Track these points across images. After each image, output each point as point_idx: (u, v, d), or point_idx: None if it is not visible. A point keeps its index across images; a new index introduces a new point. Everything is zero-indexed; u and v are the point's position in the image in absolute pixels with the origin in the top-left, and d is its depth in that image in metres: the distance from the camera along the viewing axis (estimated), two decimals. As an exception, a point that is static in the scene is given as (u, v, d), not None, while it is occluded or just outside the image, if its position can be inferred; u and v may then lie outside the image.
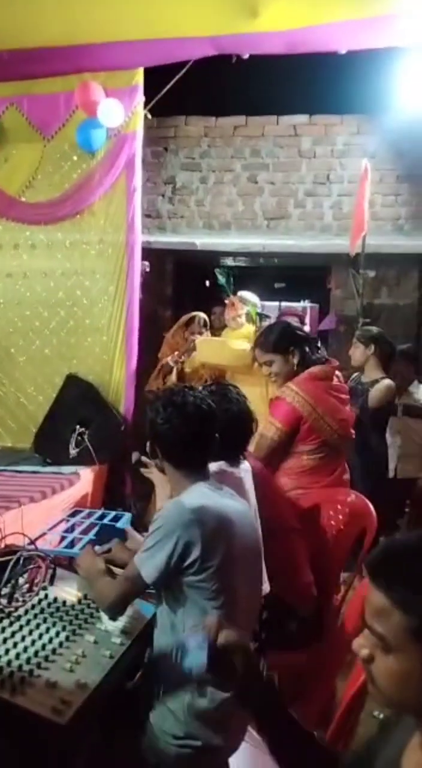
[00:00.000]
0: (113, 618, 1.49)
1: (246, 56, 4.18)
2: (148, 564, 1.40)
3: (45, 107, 4.41)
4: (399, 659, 0.76)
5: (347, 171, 5.27)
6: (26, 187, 4.48)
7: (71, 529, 2.80)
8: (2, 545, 1.83)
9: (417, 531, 0.87)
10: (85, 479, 3.32)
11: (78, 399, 3.96)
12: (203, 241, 5.21)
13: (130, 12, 3.75)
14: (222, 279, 4.45)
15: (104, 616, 1.52)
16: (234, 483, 1.81)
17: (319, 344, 3.38)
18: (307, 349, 2.66)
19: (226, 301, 4.37)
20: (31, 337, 4.62)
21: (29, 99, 4.42)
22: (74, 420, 3.71)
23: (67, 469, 3.46)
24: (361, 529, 2.01)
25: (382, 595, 0.76)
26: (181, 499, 1.47)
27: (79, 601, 1.62)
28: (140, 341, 4.36)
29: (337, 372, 2.76)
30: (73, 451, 3.59)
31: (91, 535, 2.67)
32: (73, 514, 2.95)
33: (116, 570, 1.59)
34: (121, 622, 1.52)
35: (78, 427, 3.67)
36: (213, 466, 1.78)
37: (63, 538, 2.56)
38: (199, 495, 1.47)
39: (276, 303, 6.91)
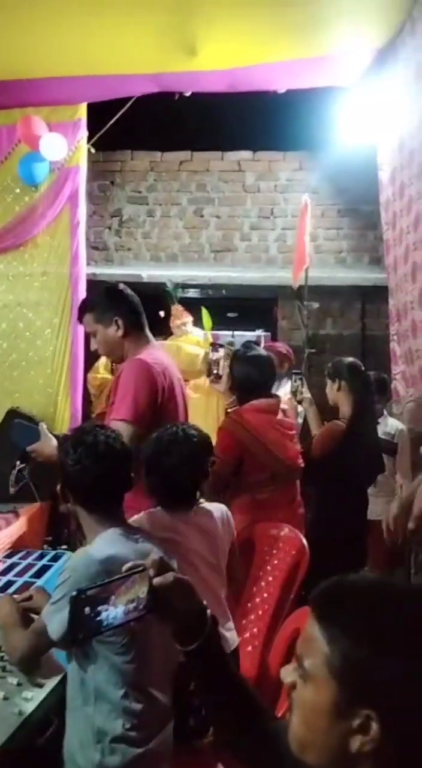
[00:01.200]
0: (25, 672, 1.42)
1: (188, 93, 4.28)
2: (54, 620, 1.32)
3: (-13, 140, 4.38)
4: (312, 690, 0.75)
5: (290, 205, 5.39)
6: (-33, 220, 4.42)
7: (7, 570, 2.69)
8: None
9: (373, 575, 0.86)
10: (24, 517, 3.20)
11: (19, 434, 3.84)
12: (150, 273, 5.21)
13: (72, 49, 3.78)
14: (170, 287, 4.47)
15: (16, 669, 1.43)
16: (186, 529, 1.72)
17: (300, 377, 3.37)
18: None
19: (172, 309, 4.38)
20: (-28, 371, 4.50)
21: (-30, 132, 4.39)
22: (14, 456, 3.59)
23: (4, 507, 3.34)
24: (295, 564, 1.97)
25: (316, 625, 0.76)
26: (88, 549, 1.39)
27: None
28: (85, 374, 4.30)
29: (283, 406, 2.72)
30: (12, 489, 3.46)
31: (27, 577, 2.57)
32: (9, 555, 2.84)
33: (36, 617, 1.52)
34: (35, 674, 1.44)
35: (18, 463, 3.55)
36: (156, 517, 1.72)
37: (-5, 582, 2.44)
38: (109, 543, 1.39)
39: (230, 332, 6.97)
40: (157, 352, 2.02)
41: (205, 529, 1.75)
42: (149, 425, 1.86)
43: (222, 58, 3.85)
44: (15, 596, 1.65)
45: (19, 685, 1.44)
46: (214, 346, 3.99)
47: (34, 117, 4.24)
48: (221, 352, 3.53)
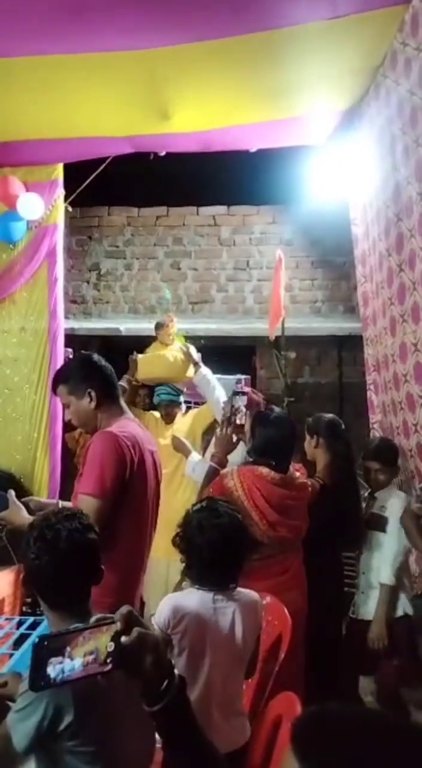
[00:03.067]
0: None
1: (162, 153, 4.39)
2: (19, 730, 1.24)
3: (-36, 200, 4.42)
4: None
5: (265, 257, 5.52)
6: None
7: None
8: None
9: (362, 707, 0.82)
10: (2, 582, 3.11)
11: (-4, 494, 3.77)
12: (128, 326, 5.25)
13: (48, 113, 3.87)
14: (167, 294, 4.45)
15: None
16: (217, 620, 1.65)
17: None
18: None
19: (165, 316, 4.36)
20: None
21: None
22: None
23: (-18, 572, 3.25)
24: (278, 634, 1.92)
25: (296, 764, 0.72)
26: None
27: None
28: (64, 430, 4.27)
29: (303, 479, 2.58)
30: (-11, 552, 3.38)
31: (5, 648, 2.49)
32: (-13, 623, 2.74)
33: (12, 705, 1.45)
34: None
35: (-5, 525, 3.47)
36: (194, 598, 1.66)
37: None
38: None
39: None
40: (129, 424, 1.99)
41: (242, 612, 1.70)
42: (116, 500, 1.83)
43: (194, 121, 3.97)
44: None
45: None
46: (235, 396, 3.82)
47: (11, 177, 4.31)
48: (243, 399, 3.19)
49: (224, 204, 5.64)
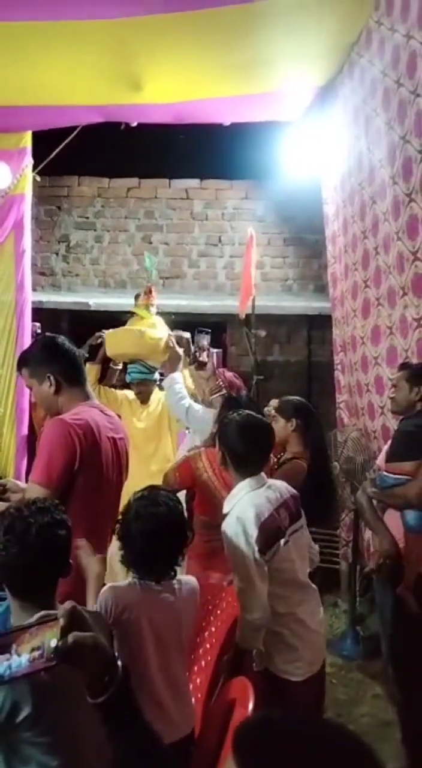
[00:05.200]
0: None
1: (134, 124, 4.30)
2: None
3: None
4: None
5: (237, 233, 5.48)
6: None
7: None
8: None
9: (302, 716, 0.82)
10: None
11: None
12: (97, 300, 5.18)
13: (17, 79, 3.75)
14: (149, 262, 4.29)
15: None
16: (161, 607, 1.64)
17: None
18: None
19: (146, 287, 4.09)
20: None
21: None
22: None
23: None
24: (236, 617, 1.96)
25: None
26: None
27: None
28: (31, 406, 4.23)
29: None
30: None
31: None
32: None
33: None
34: None
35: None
36: (132, 588, 1.64)
37: None
38: None
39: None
40: (88, 411, 1.95)
41: (171, 606, 1.69)
42: (64, 488, 1.82)
43: (167, 92, 3.89)
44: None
45: None
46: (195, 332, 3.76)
47: (-22, 144, 4.18)
48: (207, 338, 3.21)
49: (197, 177, 5.57)
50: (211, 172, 5.52)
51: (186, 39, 3.36)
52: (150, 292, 4.05)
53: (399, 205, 2.94)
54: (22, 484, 2.07)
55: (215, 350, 3.99)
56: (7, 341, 4.30)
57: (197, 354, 2.86)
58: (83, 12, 3.10)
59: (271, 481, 2.12)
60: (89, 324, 4.50)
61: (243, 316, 4.59)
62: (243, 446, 2.04)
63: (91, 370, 3.89)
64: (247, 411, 2.18)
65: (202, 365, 2.90)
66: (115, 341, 3.78)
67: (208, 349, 2.73)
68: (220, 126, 4.36)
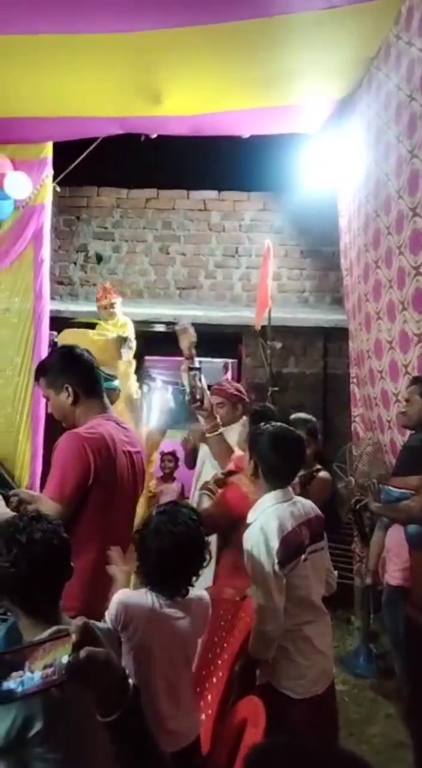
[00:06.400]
0: None
1: (153, 135, 4.34)
2: None
3: None
4: None
5: (254, 245, 5.48)
6: None
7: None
8: None
9: (307, 742, 0.81)
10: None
11: (-23, 477, 3.77)
12: (114, 310, 5.20)
13: (39, 91, 3.81)
14: (99, 260, 4.31)
15: None
16: (165, 627, 1.63)
17: None
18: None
19: (98, 287, 4.24)
20: None
21: None
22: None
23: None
24: (249, 631, 1.93)
25: None
26: None
27: None
28: (47, 413, 4.24)
29: (238, 452, 2.68)
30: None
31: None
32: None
33: None
34: None
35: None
36: (144, 599, 1.63)
37: None
38: None
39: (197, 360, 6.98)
40: (103, 424, 1.93)
41: (182, 621, 1.67)
42: (77, 503, 1.80)
43: (186, 105, 3.92)
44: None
45: None
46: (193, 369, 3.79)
47: (-1, 155, 4.24)
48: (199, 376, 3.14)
49: (215, 189, 5.58)
50: (229, 183, 5.54)
51: (206, 52, 3.38)
52: (105, 291, 4.18)
53: (403, 220, 2.93)
54: (35, 494, 2.06)
55: (230, 360, 3.98)
56: (25, 350, 4.34)
57: (194, 393, 2.70)
58: (104, 26, 3.14)
59: (298, 498, 2.09)
60: (107, 333, 4.53)
61: (259, 328, 4.58)
62: (274, 457, 2.01)
63: None
64: (280, 423, 2.16)
65: (198, 404, 2.69)
66: (69, 341, 3.74)
67: (203, 387, 2.65)
68: (239, 138, 4.38)
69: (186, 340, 2.89)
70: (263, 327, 4.61)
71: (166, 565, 1.62)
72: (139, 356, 6.10)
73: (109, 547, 1.77)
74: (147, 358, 6.71)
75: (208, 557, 1.68)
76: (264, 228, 5.48)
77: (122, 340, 3.84)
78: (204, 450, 3.35)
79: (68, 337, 3.89)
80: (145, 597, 1.65)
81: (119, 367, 3.75)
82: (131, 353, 3.88)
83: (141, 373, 6.19)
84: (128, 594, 1.66)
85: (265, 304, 4.26)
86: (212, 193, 5.60)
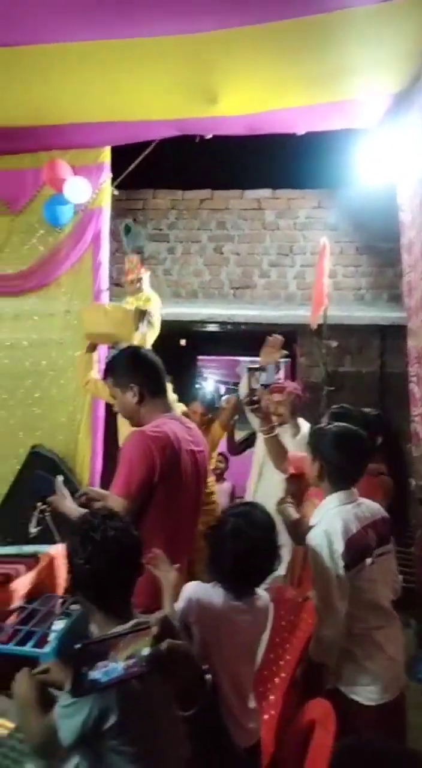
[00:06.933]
0: (41, 758, 1.41)
1: (208, 136, 4.37)
2: (65, 726, 1.27)
3: (13, 182, 4.52)
4: None
5: (309, 243, 5.44)
6: (-6, 259, 4.54)
7: (28, 618, 2.71)
8: None
9: (391, 744, 0.82)
10: (45, 561, 3.21)
11: (34, 475, 3.88)
12: (170, 310, 5.26)
13: (97, 96, 3.90)
14: (127, 232, 4.27)
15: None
16: (238, 624, 1.64)
17: None
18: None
19: (125, 259, 4.18)
20: (-4, 408, 4.58)
21: (-3, 174, 4.53)
22: (35, 497, 3.63)
23: (27, 549, 3.36)
24: (311, 634, 1.93)
25: None
26: None
27: (10, 735, 1.53)
28: (107, 412, 4.34)
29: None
30: (33, 530, 3.49)
31: (47, 627, 2.59)
32: (30, 600, 2.86)
33: (56, 692, 1.51)
34: (51, 761, 1.42)
35: (39, 504, 3.58)
36: (214, 594, 1.66)
37: (16, 632, 2.46)
38: None
39: (248, 358, 6.97)
40: (168, 423, 1.96)
41: (250, 618, 1.70)
42: (143, 501, 1.84)
43: (242, 104, 3.94)
44: (32, 670, 1.62)
45: (34, 770, 1.43)
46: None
47: (59, 160, 4.36)
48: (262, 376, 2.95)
49: (269, 187, 5.57)
50: (283, 181, 5.52)
51: (262, 50, 3.39)
52: (131, 264, 4.09)
53: None
54: (103, 491, 2.12)
55: (283, 360, 3.96)
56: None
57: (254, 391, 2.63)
58: (162, 28, 3.19)
59: (363, 500, 2.07)
60: (163, 333, 4.59)
61: (315, 327, 4.55)
62: (338, 457, 2.01)
63: (82, 360, 4.03)
64: (344, 423, 2.15)
65: (254, 405, 2.63)
66: (89, 317, 3.88)
67: (260, 388, 2.59)
68: (293, 135, 4.37)
69: (270, 355, 2.90)
70: (319, 326, 4.57)
71: (239, 568, 1.64)
72: (192, 356, 6.22)
73: (172, 544, 1.81)
74: (200, 357, 6.78)
75: (277, 564, 1.70)
76: (318, 225, 5.44)
77: (141, 313, 3.79)
78: (261, 451, 3.36)
79: (86, 314, 3.93)
80: (215, 591, 1.67)
81: (133, 341, 3.69)
82: (149, 328, 3.81)
83: (193, 372, 6.27)
84: (199, 587, 1.69)
85: (321, 302, 4.23)
86: (266, 192, 5.59)
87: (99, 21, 3.12)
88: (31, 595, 2.90)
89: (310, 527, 2.00)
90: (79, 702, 1.22)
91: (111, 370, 2.09)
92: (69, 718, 1.26)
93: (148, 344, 3.82)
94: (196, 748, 0.92)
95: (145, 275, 4.15)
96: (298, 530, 1.97)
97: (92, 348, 3.98)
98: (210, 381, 7.09)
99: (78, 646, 0.87)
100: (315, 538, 1.92)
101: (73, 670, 0.83)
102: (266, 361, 2.79)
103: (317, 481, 2.06)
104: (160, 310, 4.00)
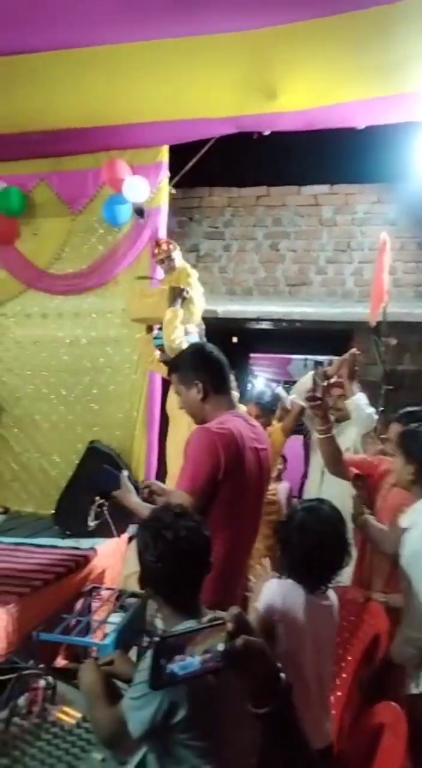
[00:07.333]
0: (109, 749, 1.43)
1: (266, 132, 4.34)
2: (135, 718, 1.30)
3: (73, 183, 4.61)
4: None
5: (368, 239, 5.34)
6: (55, 259, 4.65)
7: (87, 611, 2.76)
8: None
9: None
10: (103, 554, 3.28)
11: (98, 470, 3.95)
12: (225, 308, 5.28)
13: (155, 95, 3.93)
14: (139, 213, 4.33)
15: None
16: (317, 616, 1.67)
17: None
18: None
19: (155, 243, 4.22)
20: (55, 404, 4.70)
21: (58, 175, 4.64)
22: (94, 491, 3.70)
23: (85, 543, 3.43)
24: (376, 633, 1.90)
25: None
26: None
27: (78, 724, 1.56)
28: (162, 409, 4.38)
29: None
30: (91, 524, 3.56)
31: (106, 618, 2.63)
32: (90, 592, 2.91)
33: (119, 684, 1.53)
34: (120, 752, 1.44)
35: (97, 498, 3.65)
36: (293, 592, 1.67)
37: (77, 623, 2.51)
38: None
39: (303, 357, 6.90)
40: (232, 420, 1.95)
41: (328, 615, 1.71)
42: (208, 498, 1.84)
43: (301, 99, 3.88)
44: (98, 661, 1.65)
45: (103, 761, 1.45)
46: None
47: (118, 160, 4.42)
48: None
49: (327, 183, 5.49)
50: (341, 176, 5.43)
51: (322, 44, 3.33)
52: (158, 245, 4.12)
53: None
54: (166, 486, 2.14)
55: (335, 357, 3.89)
56: (139, 352, 4.49)
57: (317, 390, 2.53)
58: (221, 25, 3.18)
59: None
60: (218, 331, 4.60)
61: (374, 324, 4.46)
62: None
63: (142, 341, 4.19)
64: None
65: (316, 402, 2.55)
66: (130, 307, 4.09)
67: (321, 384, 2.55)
68: (351, 129, 4.29)
69: (345, 367, 2.89)
70: (378, 323, 4.48)
71: (309, 562, 1.65)
72: (243, 353, 6.19)
73: (236, 542, 1.81)
74: (252, 355, 6.75)
75: (348, 559, 1.69)
76: (377, 221, 5.32)
77: (176, 292, 3.81)
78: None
79: (129, 300, 4.13)
80: (295, 587, 1.68)
81: (164, 316, 3.74)
82: (187, 304, 3.82)
83: (245, 370, 6.25)
84: (281, 587, 1.70)
85: (381, 299, 4.14)
86: (324, 188, 5.51)
87: (157, 20, 3.14)
88: (91, 586, 2.95)
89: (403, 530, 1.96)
90: (149, 694, 1.23)
91: (176, 366, 2.11)
92: (139, 710, 1.28)
93: (197, 317, 3.93)
94: (269, 746, 0.91)
95: (175, 252, 4.15)
96: (390, 538, 1.93)
97: (150, 328, 4.06)
98: (260, 379, 7.04)
99: (157, 639, 0.87)
100: (410, 542, 1.90)
101: (152, 662, 0.84)
102: (341, 369, 2.78)
103: (409, 484, 2.02)
104: (194, 284, 4.02)
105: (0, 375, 4.79)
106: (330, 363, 3.91)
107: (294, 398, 3.71)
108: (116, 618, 2.64)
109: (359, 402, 3.19)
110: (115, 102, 4.01)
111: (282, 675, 0.90)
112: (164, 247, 4.12)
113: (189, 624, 1.29)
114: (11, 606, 2.29)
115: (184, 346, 3.63)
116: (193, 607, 1.39)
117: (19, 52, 3.44)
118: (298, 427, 4.00)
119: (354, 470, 2.48)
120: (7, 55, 3.45)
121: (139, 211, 4.33)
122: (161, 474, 4.08)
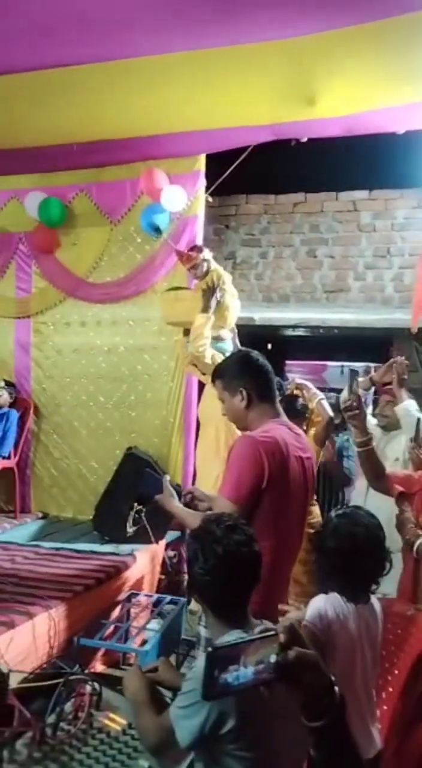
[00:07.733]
0: (155, 757, 1.42)
1: (304, 139, 4.32)
2: (183, 727, 1.28)
3: (112, 193, 4.68)
4: None
5: (408, 244, 5.27)
6: (93, 268, 4.72)
7: (126, 617, 2.77)
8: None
9: None
10: (141, 560, 3.28)
11: (137, 476, 3.98)
12: (262, 315, 5.26)
13: (193, 105, 3.95)
14: (155, 233, 4.37)
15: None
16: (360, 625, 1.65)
17: None
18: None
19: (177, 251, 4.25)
20: (94, 411, 4.75)
21: (98, 186, 4.71)
22: (132, 497, 3.72)
23: (124, 548, 3.45)
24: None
25: None
26: None
27: (124, 731, 1.56)
28: (197, 416, 4.38)
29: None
30: (130, 530, 3.58)
31: (148, 626, 2.63)
32: (128, 598, 2.92)
33: (163, 691, 1.53)
34: (166, 761, 1.43)
35: (135, 504, 3.67)
36: (338, 603, 1.66)
37: (116, 629, 2.52)
38: None
39: (339, 363, 6.83)
40: (276, 428, 1.93)
41: (371, 623, 1.69)
42: (251, 506, 1.82)
43: (340, 105, 3.85)
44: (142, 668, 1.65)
45: (149, 768, 1.46)
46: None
47: (156, 170, 4.46)
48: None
49: (365, 189, 5.44)
50: (380, 182, 5.37)
51: (362, 50, 3.30)
52: (182, 255, 4.13)
53: None
54: (209, 493, 2.13)
55: (373, 364, 3.82)
56: (177, 356, 4.52)
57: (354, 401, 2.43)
58: (260, 35, 3.18)
59: None
60: (254, 338, 4.59)
61: (415, 330, 4.38)
62: None
63: (179, 344, 4.25)
64: None
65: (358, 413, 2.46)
66: (163, 311, 4.16)
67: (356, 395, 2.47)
68: (389, 134, 4.23)
69: (389, 375, 2.85)
70: (419, 329, 4.40)
71: (346, 567, 1.63)
72: (278, 360, 6.15)
73: (279, 551, 1.79)
74: (288, 362, 6.72)
75: (390, 563, 1.65)
76: (418, 226, 5.25)
77: (208, 293, 3.80)
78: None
79: (163, 304, 4.19)
80: (340, 598, 1.66)
81: (195, 321, 3.73)
82: (216, 309, 3.81)
83: (280, 376, 6.21)
84: (326, 597, 1.68)
85: (422, 306, 4.07)
86: (362, 193, 5.47)
87: (196, 32, 3.16)
88: (130, 592, 2.96)
89: None
90: (197, 704, 1.22)
91: (220, 373, 2.09)
92: (187, 720, 1.27)
93: (231, 322, 3.97)
94: (321, 760, 0.89)
95: (205, 254, 4.13)
96: None
97: (187, 332, 4.08)
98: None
99: (210, 649, 0.86)
100: None
101: (205, 672, 0.83)
102: (385, 378, 2.74)
103: None
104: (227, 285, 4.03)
105: (40, 382, 4.87)
106: (367, 370, 3.84)
107: (321, 400, 3.63)
108: (155, 624, 2.64)
109: (409, 408, 3.12)
110: (153, 112, 4.05)
111: (336, 688, 0.88)
112: (189, 258, 4.11)
113: (237, 634, 1.29)
114: (54, 611, 2.31)
115: (208, 354, 3.67)
116: (240, 618, 1.37)
117: (60, 65, 3.50)
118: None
119: (399, 488, 2.41)
120: (47, 68, 3.53)
121: (157, 229, 4.38)
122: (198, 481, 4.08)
